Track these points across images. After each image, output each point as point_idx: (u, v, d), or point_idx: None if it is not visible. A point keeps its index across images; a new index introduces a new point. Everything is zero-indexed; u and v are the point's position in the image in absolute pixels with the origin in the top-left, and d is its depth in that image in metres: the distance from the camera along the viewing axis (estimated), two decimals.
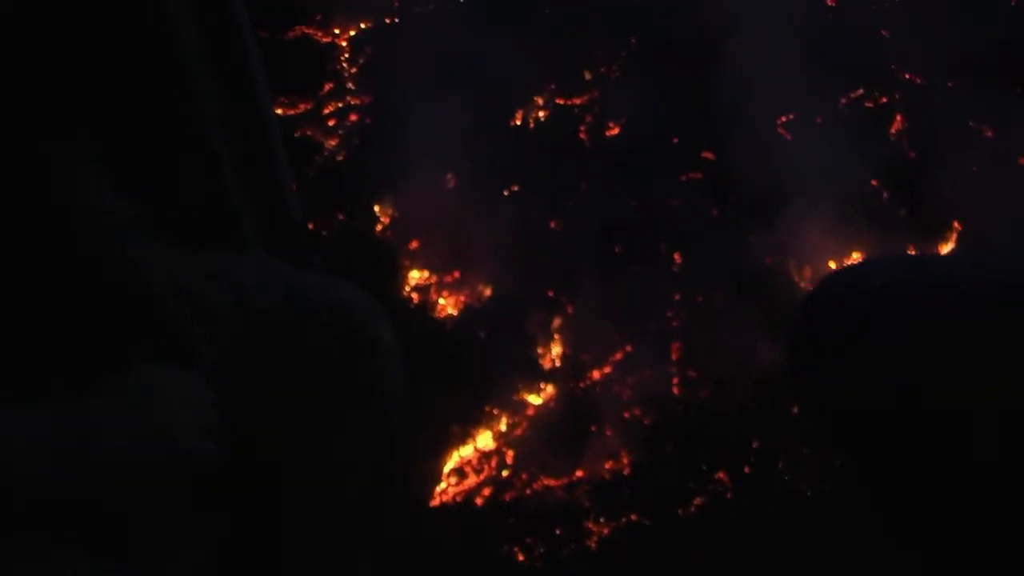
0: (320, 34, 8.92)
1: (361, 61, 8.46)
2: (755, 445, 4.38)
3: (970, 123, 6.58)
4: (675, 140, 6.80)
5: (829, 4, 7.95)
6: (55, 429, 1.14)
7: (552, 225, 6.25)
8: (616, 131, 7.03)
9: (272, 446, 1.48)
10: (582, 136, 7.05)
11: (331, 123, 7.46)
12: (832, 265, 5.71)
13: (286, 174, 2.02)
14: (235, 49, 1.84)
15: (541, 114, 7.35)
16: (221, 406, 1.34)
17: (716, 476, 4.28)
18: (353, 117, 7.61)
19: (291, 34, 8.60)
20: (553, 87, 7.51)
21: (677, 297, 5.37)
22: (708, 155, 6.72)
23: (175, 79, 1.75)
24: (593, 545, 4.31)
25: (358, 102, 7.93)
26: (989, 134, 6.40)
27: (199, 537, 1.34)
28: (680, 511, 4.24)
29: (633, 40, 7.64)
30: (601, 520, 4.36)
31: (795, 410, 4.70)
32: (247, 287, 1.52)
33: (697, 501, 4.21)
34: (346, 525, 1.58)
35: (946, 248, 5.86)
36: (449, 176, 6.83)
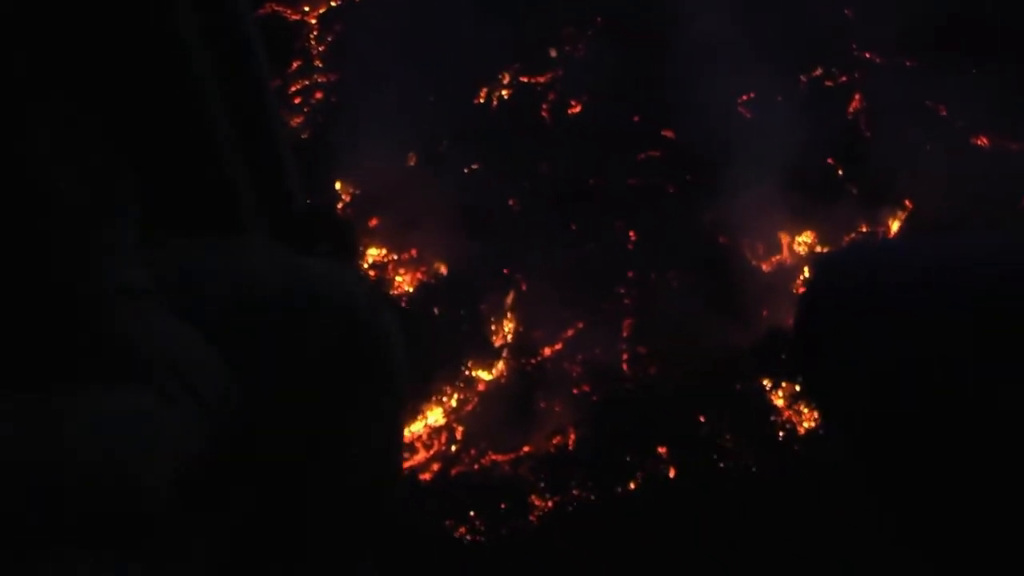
0: (289, 12, 8.93)
1: (329, 39, 8.48)
2: (701, 419, 4.45)
3: (927, 102, 6.63)
4: (635, 119, 6.85)
5: None
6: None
7: (511, 203, 6.30)
8: (578, 109, 7.08)
9: (277, 435, 1.48)
10: (544, 114, 7.09)
11: (297, 100, 7.49)
12: (784, 241, 5.77)
13: (289, 159, 2.02)
14: (236, 34, 1.84)
15: (505, 92, 7.39)
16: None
17: (659, 452, 4.36)
18: (318, 95, 7.64)
19: (261, 11, 8.59)
20: (518, 65, 7.54)
21: (630, 275, 5.44)
22: (667, 133, 6.77)
23: (177, 66, 1.74)
24: (535, 519, 4.39)
25: (324, 80, 7.95)
26: (944, 112, 6.45)
27: (199, 535, 1.33)
28: (622, 487, 4.32)
29: (599, 19, 7.66)
30: (545, 495, 4.43)
31: (739, 387, 4.78)
32: (251, 272, 1.52)
33: (639, 477, 4.29)
34: (354, 516, 1.58)
35: (895, 225, 5.93)
36: (411, 154, 6.88)
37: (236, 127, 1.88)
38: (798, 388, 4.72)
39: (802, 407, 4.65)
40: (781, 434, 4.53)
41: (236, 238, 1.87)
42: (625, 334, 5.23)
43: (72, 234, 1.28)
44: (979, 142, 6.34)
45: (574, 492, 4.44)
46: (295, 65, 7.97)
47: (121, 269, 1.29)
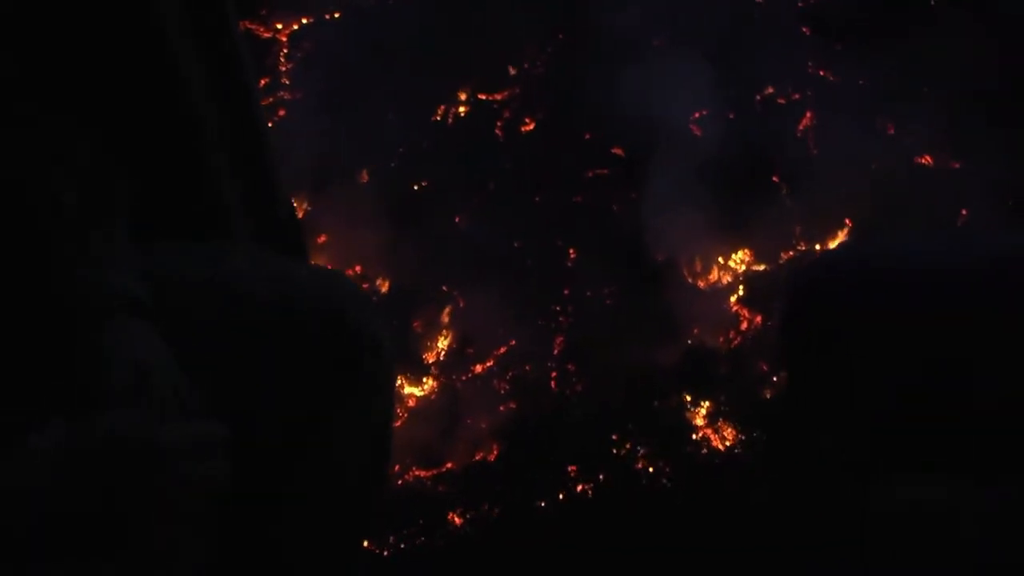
0: (262, 29, 9.04)
1: (298, 56, 8.58)
2: (615, 437, 4.51)
3: (876, 120, 6.66)
4: (587, 136, 6.91)
5: (757, 1, 8.03)
6: None
7: (456, 220, 6.38)
8: (531, 127, 7.15)
9: (265, 439, 1.50)
10: (497, 132, 7.16)
11: None
12: (722, 260, 5.82)
13: (276, 165, 2.04)
14: (223, 41, 1.85)
15: (462, 109, 7.48)
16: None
17: (572, 469, 4.42)
18: (281, 112, 7.74)
19: None
20: (476, 81, 7.62)
21: (566, 292, 5.50)
22: (617, 151, 6.82)
23: (164, 73, 1.76)
24: (451, 534, 4.46)
25: (289, 97, 8.05)
26: (891, 131, 6.48)
27: (189, 539, 1.32)
28: (539, 504, 4.38)
29: (560, 35, 7.74)
30: (461, 511, 4.50)
31: (656, 403, 4.83)
32: (238, 278, 1.53)
33: (554, 493, 4.35)
34: (344, 520, 1.61)
35: (834, 243, 5.97)
36: (364, 172, 6.96)
37: (222, 132, 1.88)
38: (716, 405, 4.78)
39: (721, 425, 4.70)
40: (700, 451, 4.58)
41: (222, 243, 1.87)
42: (556, 352, 5.30)
43: (65, 240, 1.30)
44: (923, 160, 6.37)
45: (491, 509, 4.50)
46: (263, 83, 8.07)
47: (114, 277, 1.31)
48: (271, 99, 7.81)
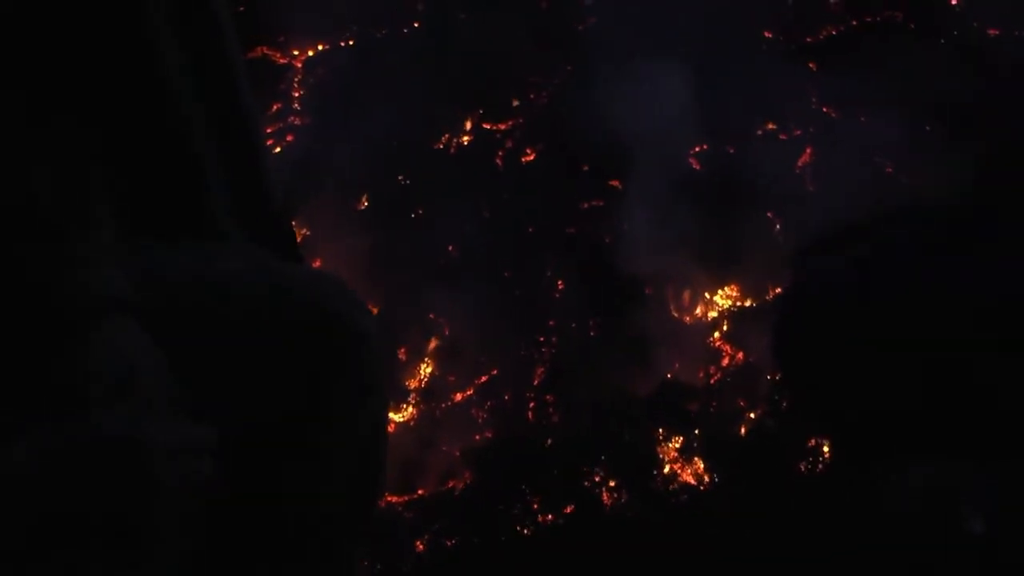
0: (279, 55, 9.21)
1: (311, 82, 8.73)
2: (584, 469, 4.54)
3: (875, 158, 6.65)
4: (584, 168, 6.95)
5: (767, 36, 8.05)
6: None
7: (450, 249, 6.44)
8: (532, 157, 7.21)
9: (259, 437, 1.49)
10: (498, 161, 7.23)
11: (269, 143, 7.70)
12: (708, 295, 5.83)
13: (267, 165, 2.05)
14: (214, 41, 1.86)
15: (465, 139, 7.54)
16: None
17: (543, 501, 4.45)
18: (290, 137, 7.86)
19: (251, 54, 8.87)
20: (481, 111, 7.70)
21: (551, 323, 5.53)
22: (614, 183, 6.86)
23: (149, 68, 1.77)
24: (419, 561, 4.50)
25: (298, 122, 8.18)
26: (889, 170, 6.47)
27: (177, 539, 1.31)
28: (508, 534, 4.41)
29: (569, 68, 7.80)
30: (429, 538, 4.54)
31: (628, 437, 4.85)
32: (229, 278, 1.55)
33: (523, 526, 4.38)
34: (340, 513, 1.64)
35: None
36: (364, 197, 7.05)
37: (212, 132, 1.90)
38: (687, 441, 4.79)
39: (691, 460, 4.71)
40: (668, 486, 4.59)
41: (213, 243, 1.87)
42: (536, 382, 5.33)
43: (47, 241, 1.27)
44: (920, 196, 6.34)
45: (460, 537, 4.54)
46: (275, 108, 8.20)
47: (98, 278, 1.29)
48: (281, 124, 7.93)
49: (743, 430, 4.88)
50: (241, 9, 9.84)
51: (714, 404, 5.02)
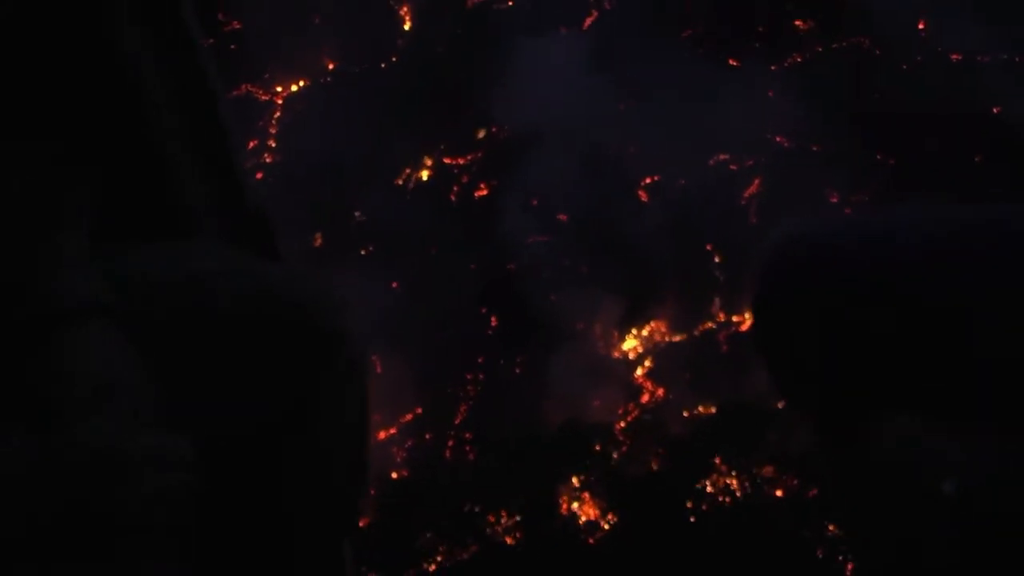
0: (261, 92, 9.44)
1: (287, 119, 8.93)
2: (477, 509, 4.62)
3: (824, 188, 6.65)
4: (534, 202, 7.03)
5: (733, 64, 8.08)
6: None
7: (394, 286, 6.56)
8: (485, 192, 7.30)
9: (241, 440, 1.59)
10: (452, 198, 7.35)
11: None
12: (635, 331, 5.88)
13: (242, 163, 2.15)
14: (183, 41, 1.95)
15: (424, 174, 7.65)
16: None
17: (434, 539, 4.54)
18: (259, 175, 8.05)
19: (236, 91, 9.09)
20: (443, 147, 7.83)
21: (480, 360, 5.62)
22: (562, 217, 6.94)
23: (119, 70, 1.87)
24: None
25: (270, 160, 8.38)
26: (835, 200, 6.46)
27: (158, 548, 1.49)
28: (418, 572, 4.51)
29: (531, 100, 7.89)
30: None
31: (532, 475, 4.92)
32: (205, 278, 1.60)
33: (416, 567, 4.48)
34: (328, 509, 1.70)
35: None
36: (317, 235, 7.21)
37: (185, 132, 1.99)
38: (588, 479, 4.84)
39: (590, 499, 4.77)
40: (565, 525, 4.66)
41: (190, 244, 1.93)
42: (458, 420, 5.42)
43: (18, 245, 1.19)
44: None
45: None
46: (252, 144, 8.39)
47: (71, 282, 1.19)
48: (256, 160, 8.11)
49: (652, 467, 4.92)
50: (233, 47, 10.12)
51: (626, 444, 5.07)
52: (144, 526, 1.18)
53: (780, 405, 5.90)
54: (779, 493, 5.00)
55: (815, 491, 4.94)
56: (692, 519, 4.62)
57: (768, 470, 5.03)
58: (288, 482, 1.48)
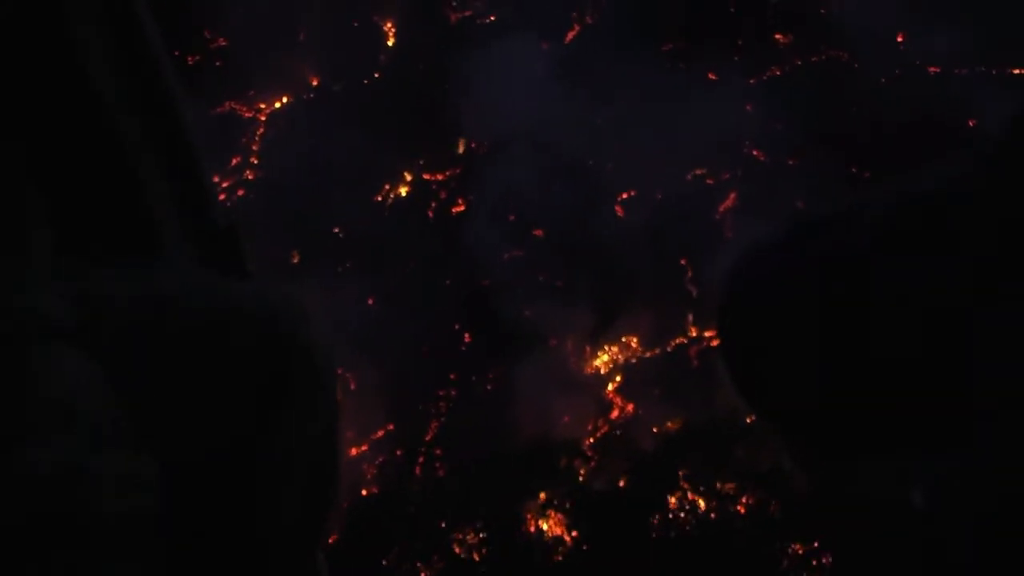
0: (245, 109, 9.48)
1: (270, 136, 8.97)
2: (443, 525, 4.64)
3: (799, 202, 6.66)
4: (511, 218, 7.06)
5: (711, 78, 8.10)
6: None
7: (369, 302, 6.58)
8: (462, 208, 7.33)
9: (208, 456, 1.61)
10: (429, 214, 7.37)
11: (221, 196, 7.93)
12: (606, 348, 5.89)
13: (210, 183, 2.14)
14: (146, 58, 1.93)
15: (403, 190, 7.68)
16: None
17: (399, 557, 4.56)
18: (240, 192, 8.08)
19: (220, 109, 9.14)
20: (422, 162, 7.86)
21: (452, 376, 5.64)
22: (537, 232, 6.96)
23: (84, 88, 1.86)
24: None
25: (252, 177, 8.42)
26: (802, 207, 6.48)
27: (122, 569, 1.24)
28: None
29: (513, 113, 7.92)
30: None
31: (502, 493, 4.93)
32: (171, 295, 1.62)
33: None
34: (300, 523, 1.71)
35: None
36: (294, 252, 7.24)
37: (150, 148, 1.98)
38: (552, 496, 4.86)
39: (552, 515, 4.78)
40: (528, 540, 4.68)
41: (156, 262, 1.94)
42: (429, 436, 5.43)
43: None
44: None
45: None
46: (234, 161, 8.42)
47: (35, 303, 1.26)
48: (237, 177, 8.14)
49: (618, 483, 4.94)
50: (217, 64, 10.17)
51: (593, 459, 5.09)
52: (109, 545, 1.20)
53: (749, 420, 5.93)
54: (741, 509, 5.01)
55: (775, 508, 4.95)
56: (655, 535, 4.64)
57: (731, 486, 5.05)
58: (259, 495, 1.48)
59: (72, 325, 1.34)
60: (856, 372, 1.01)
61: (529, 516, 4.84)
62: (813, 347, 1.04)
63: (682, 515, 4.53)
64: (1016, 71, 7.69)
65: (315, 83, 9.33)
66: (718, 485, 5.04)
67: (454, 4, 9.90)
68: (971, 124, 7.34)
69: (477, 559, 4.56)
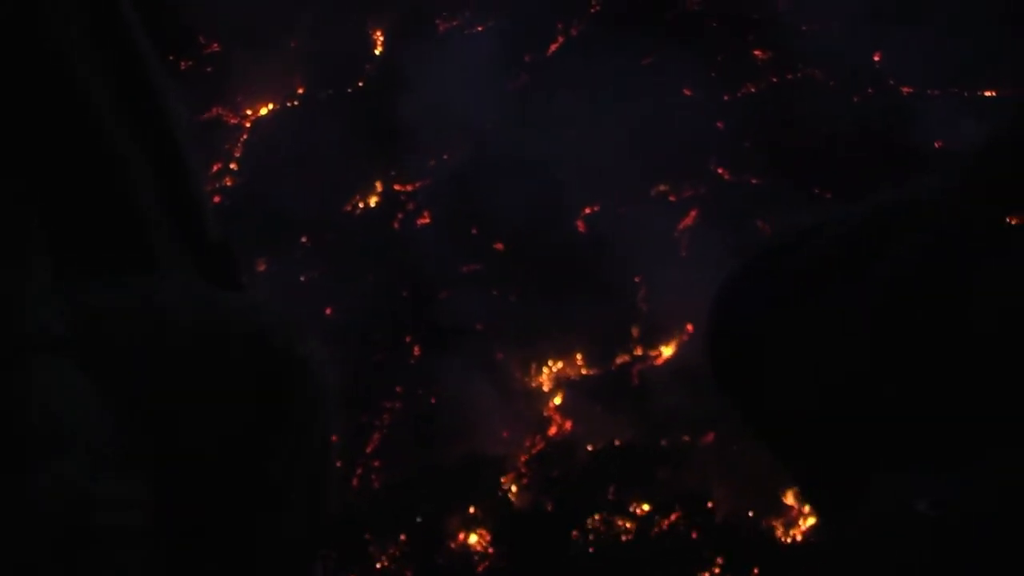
0: (231, 115, 9.60)
1: (252, 142, 9.08)
2: (367, 536, 4.72)
3: (758, 222, 6.68)
4: (474, 231, 7.12)
5: (687, 94, 8.13)
6: None
7: (327, 312, 6.67)
8: (427, 220, 7.40)
9: (203, 470, 1.45)
10: (395, 225, 7.45)
11: None
12: (550, 364, 5.94)
13: (204, 196, 2.18)
14: (138, 69, 1.97)
15: (373, 201, 7.76)
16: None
17: (341, 568, 4.65)
18: (217, 199, 8.19)
19: (207, 115, 9.27)
20: (393, 173, 7.95)
21: (399, 389, 5.73)
22: (498, 246, 7.02)
23: (76, 102, 1.91)
24: None
25: (230, 183, 8.53)
26: (768, 232, 6.50)
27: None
28: None
29: (490, 125, 7.98)
30: None
31: (427, 510, 5.00)
32: (165, 310, 1.53)
33: None
34: (297, 531, 1.77)
35: (667, 351, 6.02)
36: (260, 260, 7.34)
37: (147, 163, 2.02)
38: (475, 512, 4.92)
39: (479, 531, 4.84)
40: (449, 557, 4.75)
41: (151, 275, 2.00)
42: (369, 448, 5.52)
43: None
44: None
45: None
46: (215, 168, 8.54)
47: (31, 320, 1.28)
48: (217, 184, 8.26)
49: (545, 501, 4.99)
50: (209, 70, 10.30)
51: (526, 476, 5.15)
52: (100, 563, 1.23)
53: (686, 438, 5.95)
54: (661, 530, 5.05)
55: (696, 531, 4.99)
56: (573, 552, 4.69)
57: (651, 507, 5.09)
58: (258, 510, 1.53)
59: (70, 339, 1.37)
60: (854, 375, 1.04)
61: (458, 530, 4.90)
62: (804, 357, 1.07)
63: (603, 534, 4.58)
64: (988, 93, 7.66)
65: (301, 91, 9.44)
66: (642, 507, 5.08)
67: (444, 14, 9.99)
68: (937, 146, 7.31)
69: (398, 572, 4.63)
